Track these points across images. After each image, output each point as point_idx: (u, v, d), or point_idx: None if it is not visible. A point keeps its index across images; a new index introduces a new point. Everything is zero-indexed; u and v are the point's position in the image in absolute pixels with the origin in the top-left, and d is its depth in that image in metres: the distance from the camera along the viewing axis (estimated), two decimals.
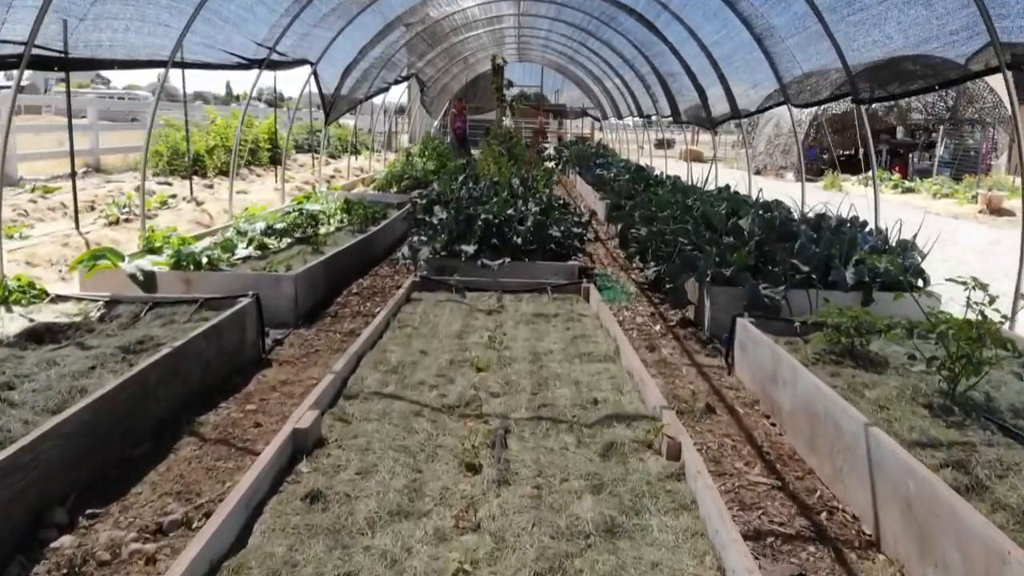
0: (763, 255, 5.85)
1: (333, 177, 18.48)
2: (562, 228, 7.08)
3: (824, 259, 5.77)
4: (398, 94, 26.55)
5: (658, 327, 5.97)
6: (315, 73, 11.07)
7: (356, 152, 26.54)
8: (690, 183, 12.47)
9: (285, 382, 4.58)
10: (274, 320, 5.69)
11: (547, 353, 4.23)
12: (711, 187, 11.61)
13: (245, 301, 4.91)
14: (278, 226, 8.00)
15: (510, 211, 7.03)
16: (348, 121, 31.20)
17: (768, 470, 3.65)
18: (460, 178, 8.76)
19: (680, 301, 5.90)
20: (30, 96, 32.28)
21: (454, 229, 6.79)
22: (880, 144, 27.39)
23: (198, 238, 8.70)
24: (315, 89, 11.94)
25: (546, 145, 28.79)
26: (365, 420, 3.14)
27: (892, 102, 27.43)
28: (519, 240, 6.67)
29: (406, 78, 17.62)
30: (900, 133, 28.65)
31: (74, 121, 21.69)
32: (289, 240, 7.96)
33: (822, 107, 25.81)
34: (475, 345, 4.37)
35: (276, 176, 17.89)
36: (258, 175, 19.11)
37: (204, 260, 6.23)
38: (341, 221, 9.55)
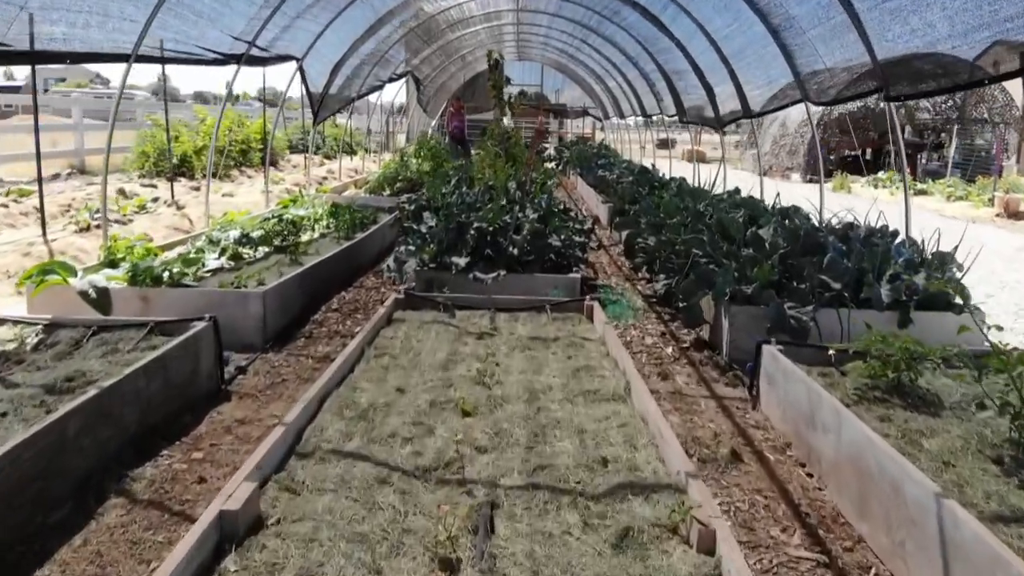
0: (787, 270, 5.23)
1: (325, 179, 17.86)
2: (562, 237, 6.46)
3: (856, 275, 5.16)
4: (396, 93, 25.96)
5: (670, 349, 5.35)
6: (301, 70, 10.46)
7: (352, 152, 25.96)
8: (696, 185, 11.86)
9: (243, 421, 3.97)
10: (239, 343, 5.10)
11: (546, 391, 3.62)
12: (719, 190, 11.01)
13: (200, 325, 4.30)
14: (254, 234, 7.38)
15: (506, 218, 6.41)
16: (346, 120, 30.61)
17: (810, 538, 3.03)
18: (453, 182, 8.13)
19: (694, 320, 5.29)
20: (27, 96, 31.75)
21: (444, 239, 6.18)
22: (887, 144, 26.79)
23: (170, 246, 8.12)
24: (308, 87, 11.33)
25: (546, 145, 28.17)
26: (318, 491, 2.52)
27: (901, 101, 26.84)
28: (515, 251, 6.06)
29: (401, 76, 17.01)
30: (907, 133, 28.05)
31: (61, 120, 21.17)
32: (267, 249, 7.36)
33: (829, 107, 25.23)
34: (462, 380, 3.76)
35: (271, 177, 17.31)
36: (249, 176, 18.50)
37: (165, 275, 5.61)
38: (327, 227, 8.95)
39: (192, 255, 6.19)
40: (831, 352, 4.37)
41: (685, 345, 5.44)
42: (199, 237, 7.48)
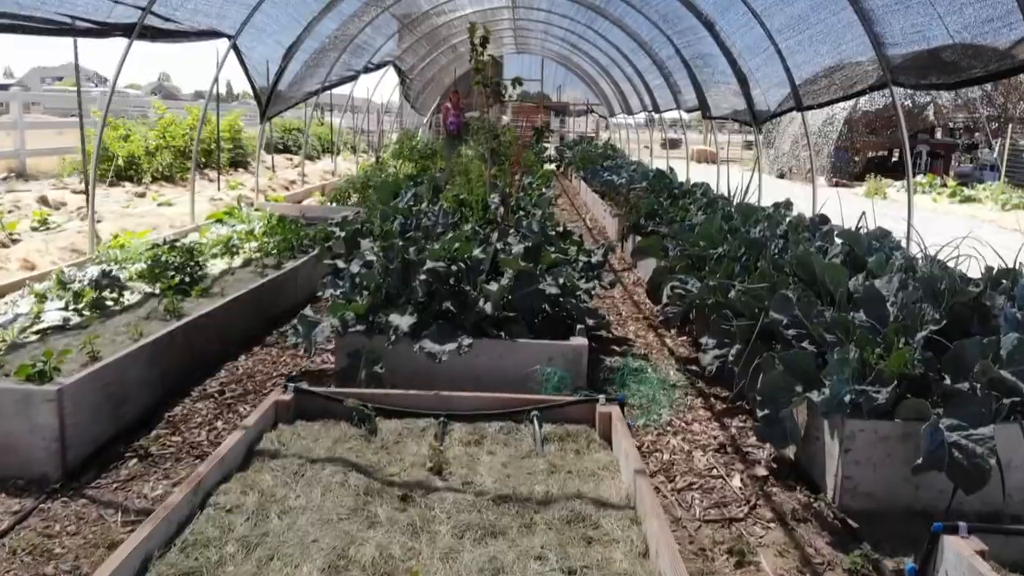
0: (934, 354, 3.14)
1: (294, 183, 15.80)
2: (561, 280, 4.36)
3: None
4: (378, 81, 23.93)
5: (737, 481, 3.25)
6: (236, 50, 8.37)
7: (336, 153, 23.95)
8: (720, 192, 9.76)
9: None
10: (22, 475, 3.06)
11: None
12: (752, 199, 8.93)
13: None
14: (130, 270, 5.31)
15: (477, 252, 4.32)
16: (335, 119, 28.52)
17: None
18: (408, 195, 5.98)
19: (780, 438, 3.18)
20: (20, 93, 30.36)
21: (382, 285, 4.09)
22: (919, 145, 24.69)
23: (43, 278, 6.01)
24: (249, 73, 9.24)
25: (547, 145, 26.09)
26: None
27: (930, 97, 24.79)
28: (487, 305, 3.96)
29: (380, 66, 14.91)
30: (939, 133, 25.92)
31: (50, 119, 19.11)
32: (148, 290, 5.27)
33: (856, 104, 23.12)
34: None
35: (229, 181, 15.27)
36: (211, 179, 16.44)
37: None
38: (260, 248, 6.87)
39: None
40: None
41: (761, 472, 3.33)
42: (46, 276, 5.39)
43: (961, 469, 2.79)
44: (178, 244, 5.68)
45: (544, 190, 10.40)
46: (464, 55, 21.99)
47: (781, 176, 24.74)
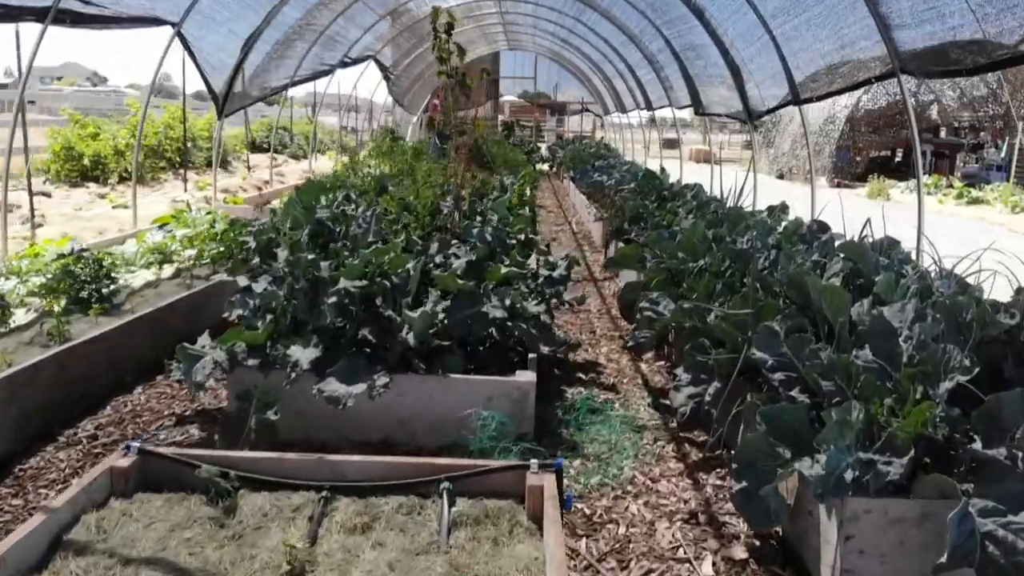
0: (962, 409, 2.44)
1: (268, 183, 15.13)
2: (508, 300, 3.66)
3: None
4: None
5: (708, 566, 2.55)
6: (182, 38, 7.67)
7: (321, 152, 23.31)
8: (713, 194, 9.05)
9: None
10: None
11: None
12: (746, 202, 8.23)
13: None
14: (32, 283, 4.63)
15: (409, 267, 3.62)
16: (330, 119, 27.89)
17: None
18: (339, 198, 5.26)
19: (762, 516, 2.48)
20: (14, 92, 30.03)
21: (287, 308, 3.40)
22: (923, 144, 23.98)
23: None
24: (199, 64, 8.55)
25: (540, 145, 25.43)
26: None
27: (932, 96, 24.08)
28: (410, 335, 3.26)
29: (358, 60, 14.21)
30: (943, 133, 25.18)
31: (46, 118, 18.34)
32: (44, 307, 4.59)
33: (858, 102, 22.42)
34: None
35: (198, 182, 14.58)
36: (185, 180, 15.78)
37: None
38: (198, 257, 6.21)
39: None
40: None
41: (739, 554, 2.63)
42: None
43: (996, 568, 2.10)
44: (87, 254, 4.98)
45: (526, 192, 9.71)
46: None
47: (781, 177, 24.04)
